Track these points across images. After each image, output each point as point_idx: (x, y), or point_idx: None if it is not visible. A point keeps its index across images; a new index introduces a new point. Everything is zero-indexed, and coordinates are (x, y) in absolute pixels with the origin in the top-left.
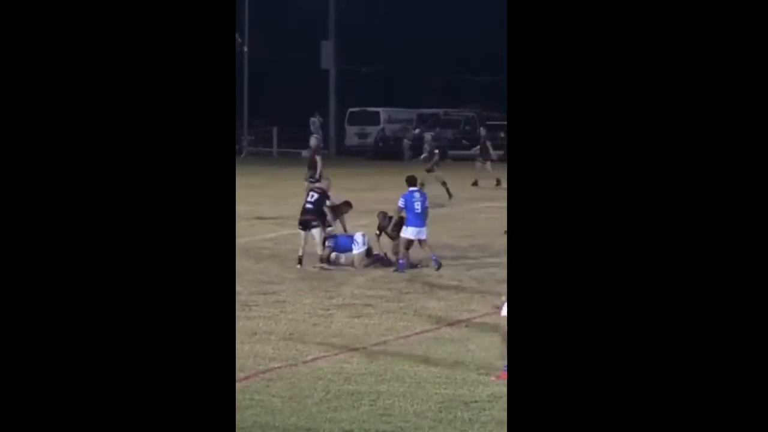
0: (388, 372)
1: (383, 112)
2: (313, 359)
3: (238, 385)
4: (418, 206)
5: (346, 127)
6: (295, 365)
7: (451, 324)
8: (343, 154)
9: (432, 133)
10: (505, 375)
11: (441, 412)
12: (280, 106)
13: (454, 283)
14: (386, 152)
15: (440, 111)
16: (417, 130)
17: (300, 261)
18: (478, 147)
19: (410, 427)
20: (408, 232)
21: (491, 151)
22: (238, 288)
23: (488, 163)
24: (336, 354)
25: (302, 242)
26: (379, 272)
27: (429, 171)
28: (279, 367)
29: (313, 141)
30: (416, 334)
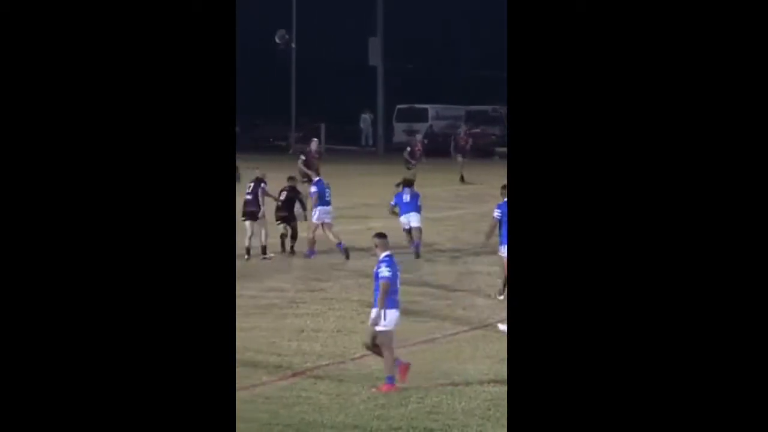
0: (435, 370)
1: (431, 109)
2: (361, 356)
3: (286, 382)
4: (328, 193)
5: (394, 124)
6: (343, 362)
7: (499, 322)
8: (391, 151)
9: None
10: (386, 387)
11: (489, 409)
12: (327, 103)
13: (501, 281)
14: (434, 149)
15: (489, 108)
16: (464, 127)
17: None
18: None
19: (458, 424)
20: (321, 214)
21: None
22: (286, 285)
23: (459, 158)
24: None
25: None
26: (427, 269)
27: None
28: (326, 365)
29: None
30: (464, 332)
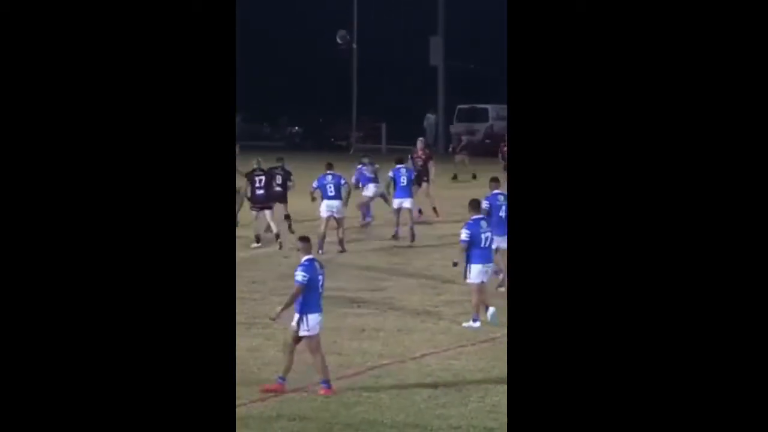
0: (495, 369)
1: (492, 109)
2: (422, 356)
3: (346, 381)
4: (331, 188)
5: (455, 123)
6: (404, 362)
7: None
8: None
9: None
10: (275, 387)
11: None
12: (388, 103)
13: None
14: (494, 149)
15: None
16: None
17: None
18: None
19: None
20: (322, 210)
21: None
22: (346, 284)
23: (465, 158)
24: (444, 351)
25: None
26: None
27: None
28: (387, 364)
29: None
30: None
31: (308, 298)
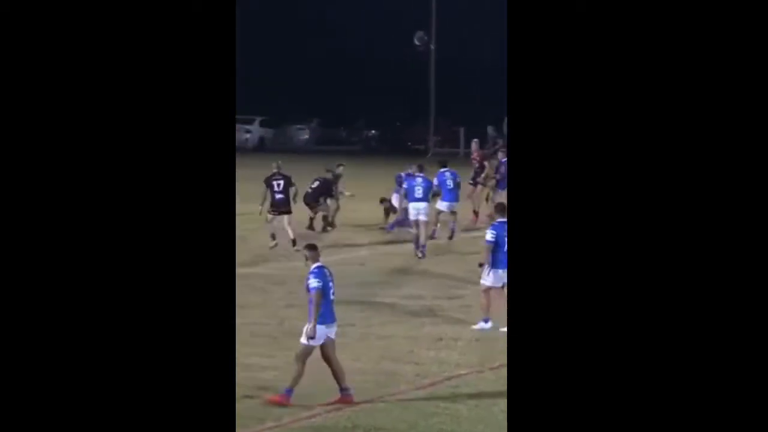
0: None
1: None
2: (500, 366)
3: (424, 391)
4: (419, 190)
5: None
6: (482, 372)
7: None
8: None
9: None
10: (279, 397)
11: None
12: (466, 106)
13: None
14: None
15: None
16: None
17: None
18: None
19: None
20: (410, 212)
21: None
22: (423, 292)
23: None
24: None
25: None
26: None
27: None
28: (465, 374)
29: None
30: None
31: (320, 306)
